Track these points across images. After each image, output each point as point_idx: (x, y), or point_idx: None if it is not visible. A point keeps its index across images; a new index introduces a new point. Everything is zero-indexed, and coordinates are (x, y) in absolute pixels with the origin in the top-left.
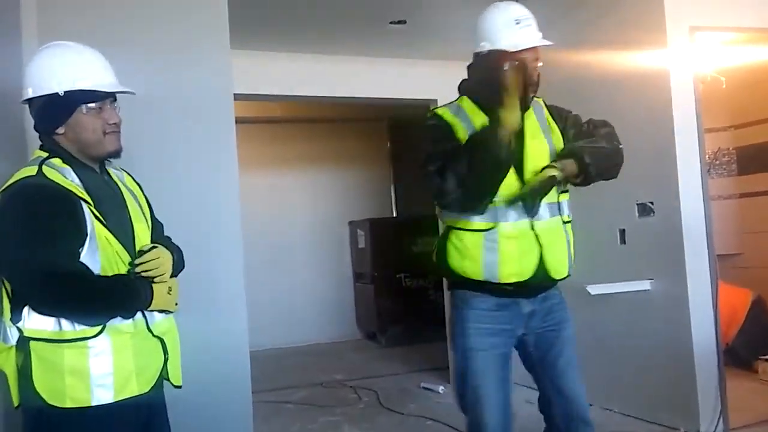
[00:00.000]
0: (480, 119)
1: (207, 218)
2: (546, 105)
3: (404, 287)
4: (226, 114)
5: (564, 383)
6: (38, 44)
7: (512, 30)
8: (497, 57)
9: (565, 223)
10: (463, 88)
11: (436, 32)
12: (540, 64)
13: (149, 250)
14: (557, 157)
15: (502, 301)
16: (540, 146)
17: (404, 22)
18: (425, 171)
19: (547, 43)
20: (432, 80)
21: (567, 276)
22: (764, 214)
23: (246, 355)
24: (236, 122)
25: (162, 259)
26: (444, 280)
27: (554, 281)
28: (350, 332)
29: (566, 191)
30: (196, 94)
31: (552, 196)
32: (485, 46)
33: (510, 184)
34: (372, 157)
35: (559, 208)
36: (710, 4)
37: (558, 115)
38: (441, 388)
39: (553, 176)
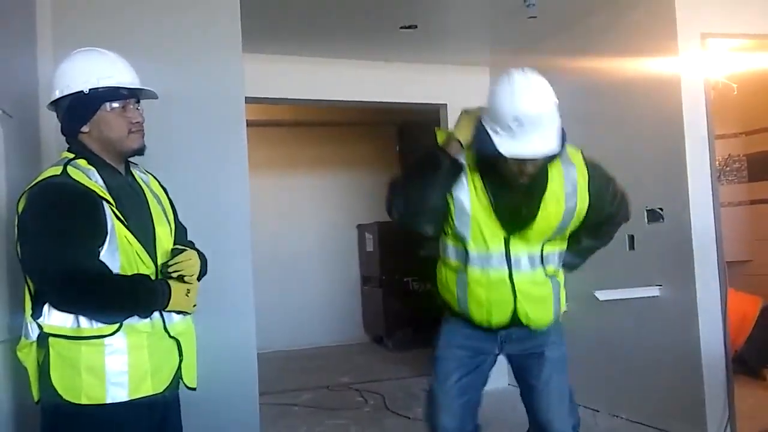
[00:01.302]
0: (471, 169)
1: (217, 220)
2: (587, 167)
3: (412, 291)
4: (237, 117)
5: (540, 407)
6: (53, 53)
7: (511, 129)
8: (493, 151)
9: (551, 275)
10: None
11: (446, 37)
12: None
13: (182, 251)
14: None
15: (480, 327)
16: (557, 210)
17: (415, 27)
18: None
19: (549, 154)
20: (442, 85)
21: (550, 324)
22: None
23: (254, 358)
24: (247, 125)
25: (193, 260)
26: None
27: (538, 326)
28: (357, 335)
29: (555, 242)
30: (209, 97)
31: (534, 247)
32: (486, 121)
33: (495, 232)
34: (381, 161)
35: (542, 260)
36: (721, 11)
37: (592, 177)
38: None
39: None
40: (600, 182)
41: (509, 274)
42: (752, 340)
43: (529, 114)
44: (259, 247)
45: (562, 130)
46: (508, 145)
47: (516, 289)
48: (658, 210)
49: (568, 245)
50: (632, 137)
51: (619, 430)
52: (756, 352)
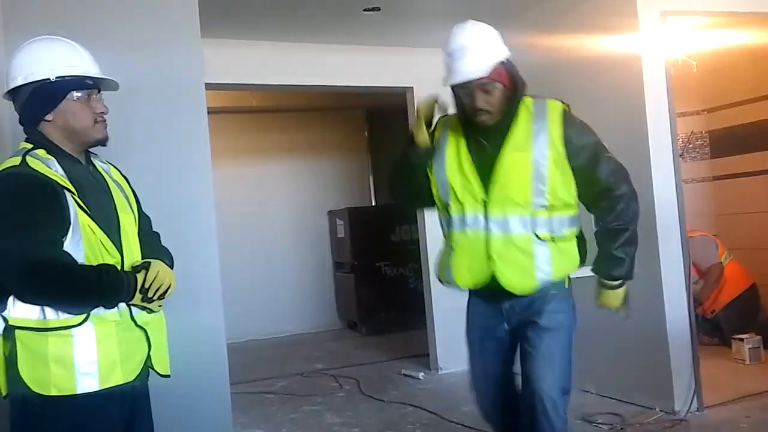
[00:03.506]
0: (454, 135)
1: (180, 210)
2: (563, 117)
3: (384, 276)
4: (197, 104)
5: (524, 370)
6: (3, 39)
7: (451, 62)
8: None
9: (544, 240)
10: None
11: (410, 19)
12: (493, 83)
13: (142, 265)
14: (599, 283)
15: (488, 303)
16: (521, 159)
17: (378, 9)
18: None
19: (475, 76)
20: (407, 68)
21: (534, 289)
22: (737, 196)
23: (223, 346)
24: (211, 112)
25: (162, 271)
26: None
27: (522, 290)
28: (331, 322)
29: (561, 207)
30: (167, 84)
31: (523, 210)
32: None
33: (474, 193)
34: (350, 147)
35: (535, 223)
36: None
37: (567, 129)
38: (421, 375)
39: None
40: (580, 141)
41: (486, 234)
42: (732, 307)
43: (454, 46)
44: (228, 237)
45: (520, 80)
46: (448, 74)
47: (491, 247)
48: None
49: (598, 244)
50: (594, 115)
51: (588, 404)
52: (729, 321)
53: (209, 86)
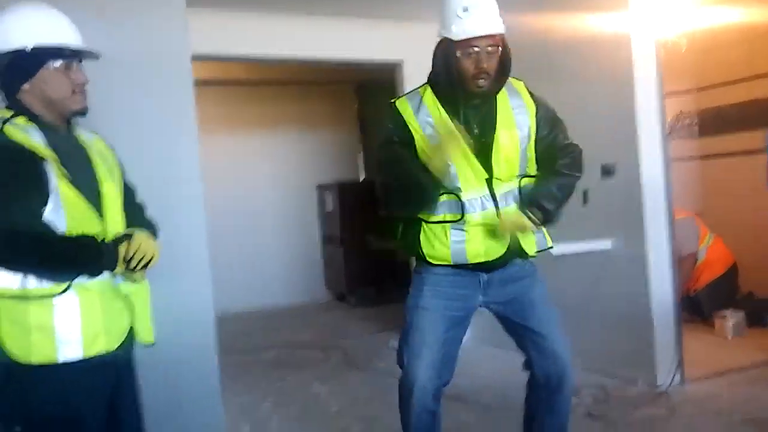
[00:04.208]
0: (436, 113)
1: (166, 183)
2: (531, 96)
3: (373, 249)
4: (183, 75)
5: (542, 342)
6: None
7: (460, 18)
8: (447, 46)
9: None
10: (430, 77)
11: None
12: (498, 48)
13: (124, 236)
14: (527, 202)
15: (462, 271)
16: (511, 137)
17: None
18: (379, 155)
19: (496, 31)
20: (398, 41)
21: (536, 252)
22: (725, 175)
23: (211, 315)
24: (199, 84)
25: (144, 244)
26: None
27: (524, 256)
28: (320, 294)
29: (531, 177)
30: (151, 54)
31: (513, 183)
32: (441, 33)
33: (478, 173)
34: (340, 121)
35: (521, 194)
36: None
37: (538, 105)
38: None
39: (525, 227)
40: (546, 114)
41: (497, 211)
42: (713, 287)
43: (470, 2)
44: (217, 209)
45: (509, 60)
46: (459, 30)
47: None
48: (611, 165)
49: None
50: (584, 93)
51: None
52: (711, 300)
53: (196, 57)
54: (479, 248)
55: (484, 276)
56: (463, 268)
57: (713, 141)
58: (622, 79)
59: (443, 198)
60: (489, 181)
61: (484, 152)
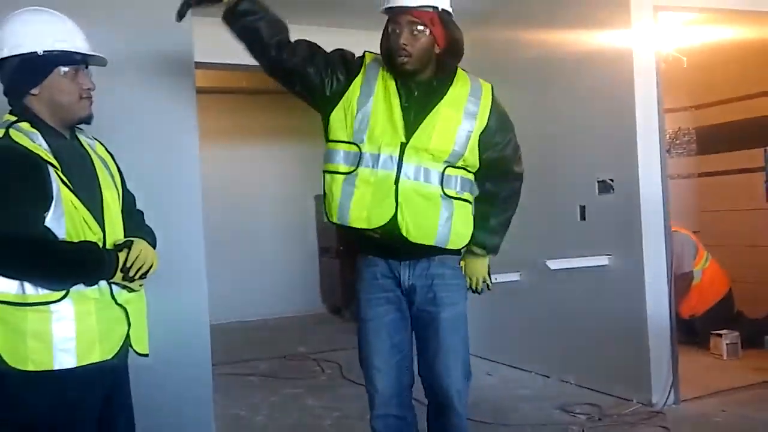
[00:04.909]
0: (384, 75)
1: (166, 190)
2: (493, 99)
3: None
4: (186, 83)
5: (431, 367)
6: None
7: None
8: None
9: (448, 196)
10: None
11: None
12: (421, 28)
13: (124, 244)
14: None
15: (385, 271)
16: (452, 117)
17: None
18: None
19: (412, 4)
20: None
21: (432, 246)
22: (722, 193)
23: (206, 327)
24: (200, 92)
25: (144, 252)
26: None
27: (409, 243)
28: (315, 306)
29: (466, 170)
30: (155, 61)
31: (436, 164)
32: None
33: (395, 134)
34: None
35: (443, 179)
36: None
37: (496, 110)
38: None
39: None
40: (502, 119)
41: (396, 177)
42: (708, 315)
43: None
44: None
45: (454, 42)
46: (382, 3)
47: (399, 191)
48: (609, 181)
49: (479, 213)
50: (584, 109)
51: (567, 394)
52: (707, 326)
53: (199, 65)
54: (362, 211)
55: (407, 280)
56: (378, 245)
57: (711, 158)
58: (623, 96)
59: (341, 147)
60: (403, 146)
61: (415, 120)
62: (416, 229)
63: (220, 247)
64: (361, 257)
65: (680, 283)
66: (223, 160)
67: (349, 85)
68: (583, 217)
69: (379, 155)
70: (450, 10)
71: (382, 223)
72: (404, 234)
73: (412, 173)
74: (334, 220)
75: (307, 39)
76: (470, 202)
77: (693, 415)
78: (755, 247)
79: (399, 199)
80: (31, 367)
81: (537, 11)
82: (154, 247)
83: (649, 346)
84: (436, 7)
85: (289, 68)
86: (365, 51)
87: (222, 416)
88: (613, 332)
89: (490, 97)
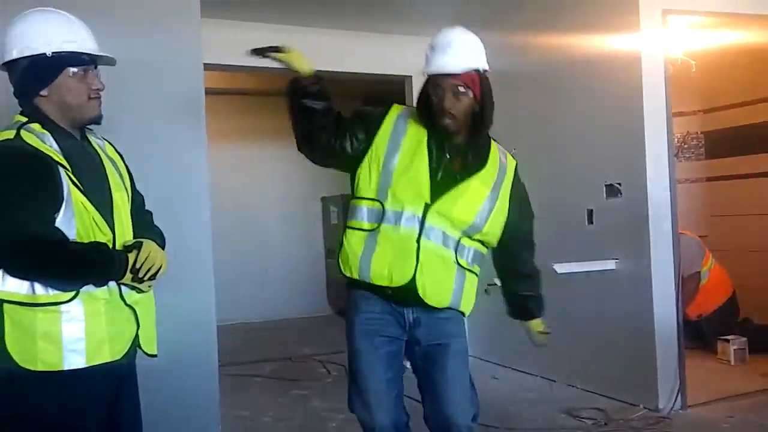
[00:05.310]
0: (415, 128)
1: (175, 190)
2: (516, 175)
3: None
4: (195, 84)
5: (439, 403)
6: (2, 11)
7: (431, 55)
8: (427, 79)
9: (462, 267)
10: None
11: (411, 8)
12: (463, 90)
13: (134, 245)
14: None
15: (387, 308)
16: (481, 192)
17: None
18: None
19: (457, 70)
20: (406, 57)
21: (447, 308)
22: (730, 197)
23: (213, 328)
24: (208, 93)
25: (153, 251)
26: None
27: (426, 305)
28: (321, 308)
29: (481, 244)
30: (164, 62)
31: (454, 231)
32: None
33: (416, 193)
34: None
35: (457, 248)
36: None
37: (518, 186)
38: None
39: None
40: (522, 194)
41: (418, 236)
42: (716, 315)
43: (439, 41)
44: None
45: (490, 101)
46: (426, 66)
47: (420, 251)
48: (617, 185)
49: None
50: (593, 113)
51: (574, 399)
52: (715, 327)
53: (208, 67)
54: (383, 269)
55: (411, 315)
56: (385, 300)
57: (720, 163)
58: (631, 99)
59: (364, 204)
60: (426, 207)
61: (443, 185)
62: (433, 292)
63: (227, 247)
64: (357, 291)
65: (689, 283)
66: (231, 161)
67: (371, 142)
68: (590, 221)
69: (402, 213)
70: (488, 68)
71: (403, 283)
72: (420, 295)
73: (432, 235)
74: (355, 276)
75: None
76: (477, 276)
77: (700, 420)
78: (764, 252)
79: (420, 258)
80: (40, 367)
81: (545, 16)
82: (163, 248)
83: (656, 350)
84: (478, 69)
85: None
86: (394, 103)
87: (228, 417)
88: (620, 336)
89: (513, 172)
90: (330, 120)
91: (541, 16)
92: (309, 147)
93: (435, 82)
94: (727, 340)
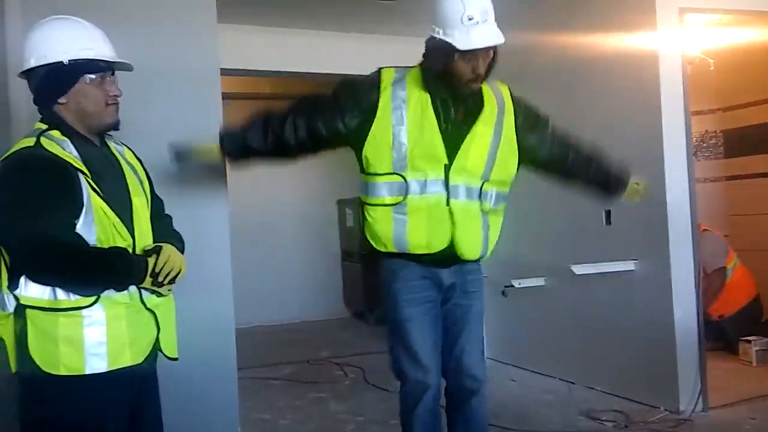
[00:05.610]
0: (416, 94)
1: (193, 194)
2: (512, 95)
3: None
4: (212, 89)
5: (459, 355)
6: (22, 20)
7: (464, 26)
8: (446, 47)
9: (486, 212)
10: (423, 62)
11: (423, 11)
12: (491, 52)
13: (153, 249)
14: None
15: (424, 272)
16: (485, 133)
17: None
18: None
19: (499, 42)
20: (418, 59)
21: (478, 259)
22: (750, 196)
23: (231, 331)
24: (224, 98)
25: (173, 256)
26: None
27: (463, 261)
28: (338, 311)
29: (502, 183)
30: (181, 67)
31: (474, 180)
32: (438, 33)
33: (434, 157)
34: None
35: (481, 195)
36: None
37: (518, 109)
38: None
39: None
40: (527, 110)
41: (447, 199)
42: (739, 315)
43: (474, 10)
44: (238, 223)
45: (496, 61)
46: (465, 41)
47: (453, 213)
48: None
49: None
50: (610, 112)
51: (593, 401)
52: (737, 328)
53: (225, 72)
54: (421, 239)
55: (448, 279)
56: (422, 265)
57: (738, 161)
58: (649, 98)
59: (382, 179)
60: (447, 168)
61: (455, 141)
62: (468, 248)
63: (244, 251)
64: (392, 259)
65: (715, 279)
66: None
67: (372, 117)
68: (608, 222)
69: (425, 181)
70: None
71: (443, 247)
72: (460, 254)
73: (459, 193)
74: (391, 249)
75: (292, 102)
76: (502, 215)
77: (721, 422)
78: None
79: (454, 220)
80: (63, 372)
81: (561, 15)
82: (182, 252)
83: (677, 352)
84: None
85: (307, 146)
86: (380, 68)
87: (247, 419)
88: (639, 338)
89: (509, 96)
90: (263, 127)
91: (555, 16)
92: (294, 159)
93: (473, 54)
94: (749, 341)
